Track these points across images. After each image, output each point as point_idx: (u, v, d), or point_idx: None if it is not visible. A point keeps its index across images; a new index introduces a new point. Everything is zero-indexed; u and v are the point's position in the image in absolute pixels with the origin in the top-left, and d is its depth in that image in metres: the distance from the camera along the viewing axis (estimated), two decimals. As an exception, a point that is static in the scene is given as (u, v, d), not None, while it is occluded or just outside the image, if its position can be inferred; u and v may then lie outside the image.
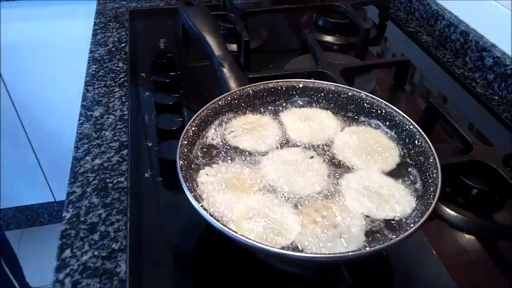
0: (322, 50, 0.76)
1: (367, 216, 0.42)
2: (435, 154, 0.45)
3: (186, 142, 0.46)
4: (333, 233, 0.40)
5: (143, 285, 0.44)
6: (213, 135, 0.50)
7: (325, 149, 0.50)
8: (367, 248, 0.38)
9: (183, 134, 0.46)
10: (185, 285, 0.45)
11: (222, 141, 0.50)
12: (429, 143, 0.46)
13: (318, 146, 0.51)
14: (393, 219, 0.42)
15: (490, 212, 0.53)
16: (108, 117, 0.66)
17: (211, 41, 0.60)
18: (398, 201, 0.43)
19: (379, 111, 0.53)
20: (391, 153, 0.49)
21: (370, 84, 0.70)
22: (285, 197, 0.44)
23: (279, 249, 0.37)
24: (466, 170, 0.54)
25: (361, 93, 0.54)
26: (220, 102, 0.52)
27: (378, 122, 0.53)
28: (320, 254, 0.38)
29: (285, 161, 0.48)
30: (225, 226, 0.37)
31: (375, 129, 0.52)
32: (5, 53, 1.21)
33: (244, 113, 0.54)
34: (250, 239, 0.37)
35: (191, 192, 0.40)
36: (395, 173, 0.47)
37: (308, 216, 0.42)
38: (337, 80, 0.66)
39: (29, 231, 1.71)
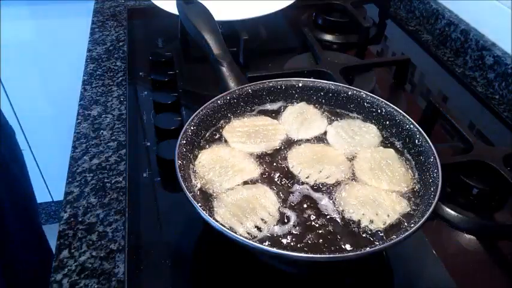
0: (321, 49, 0.75)
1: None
2: (435, 153, 0.44)
3: (184, 142, 0.46)
4: None
5: (142, 286, 0.44)
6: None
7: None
8: (367, 248, 0.37)
9: (181, 134, 0.46)
10: (184, 286, 0.45)
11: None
12: (429, 142, 0.46)
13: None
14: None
15: (490, 212, 0.53)
16: (106, 117, 0.65)
17: (210, 40, 0.60)
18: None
19: (379, 111, 0.52)
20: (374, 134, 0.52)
21: (370, 83, 0.70)
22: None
23: (279, 249, 0.36)
24: (466, 169, 0.54)
25: (361, 92, 0.54)
26: (219, 102, 0.52)
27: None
28: (320, 254, 0.38)
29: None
30: (224, 227, 0.37)
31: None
32: (2, 52, 1.21)
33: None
34: (249, 240, 0.37)
35: (190, 192, 0.40)
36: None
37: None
38: (337, 79, 0.65)
39: (27, 231, 1.70)
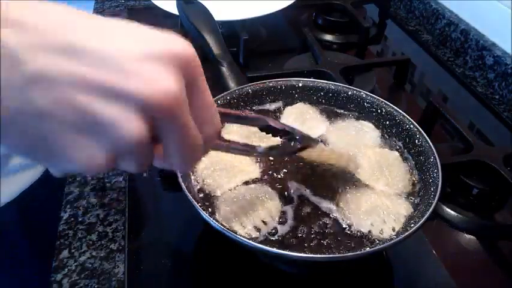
0: (321, 49, 0.75)
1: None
2: (435, 153, 0.44)
3: (184, 142, 0.46)
4: None
5: (142, 286, 0.44)
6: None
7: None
8: (367, 248, 0.37)
9: (181, 134, 0.46)
10: (184, 286, 0.45)
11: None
12: (429, 142, 0.46)
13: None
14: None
15: (490, 212, 0.53)
16: (107, 117, 0.65)
17: (210, 40, 0.60)
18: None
19: (379, 111, 0.52)
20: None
21: (370, 83, 0.70)
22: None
23: (279, 249, 0.36)
24: (466, 169, 0.54)
25: (361, 92, 0.54)
26: (219, 102, 0.52)
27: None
28: (320, 254, 0.38)
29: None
30: (224, 227, 0.37)
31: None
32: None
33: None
34: (249, 240, 0.37)
35: (190, 192, 0.40)
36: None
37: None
38: (337, 79, 0.65)
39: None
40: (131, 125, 0.22)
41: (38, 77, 0.20)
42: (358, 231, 0.41)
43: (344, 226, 0.41)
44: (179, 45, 0.24)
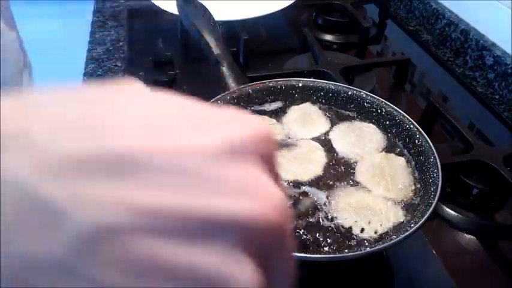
0: (321, 49, 0.75)
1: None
2: (435, 153, 0.44)
3: (184, 142, 0.46)
4: None
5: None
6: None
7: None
8: (367, 248, 0.37)
9: (181, 134, 0.46)
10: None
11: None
12: (429, 142, 0.46)
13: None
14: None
15: (490, 212, 0.53)
16: (107, 117, 0.65)
17: (210, 40, 0.60)
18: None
19: (379, 111, 0.52)
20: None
21: (370, 83, 0.70)
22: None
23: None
24: (466, 169, 0.54)
25: (361, 92, 0.54)
26: (219, 102, 0.52)
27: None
28: (320, 254, 0.38)
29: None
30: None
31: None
32: (3, 52, 1.21)
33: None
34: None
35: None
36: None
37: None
38: (337, 79, 0.65)
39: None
40: (246, 273, 0.13)
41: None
42: (340, 224, 0.41)
43: (329, 218, 0.41)
44: (257, 125, 0.16)
